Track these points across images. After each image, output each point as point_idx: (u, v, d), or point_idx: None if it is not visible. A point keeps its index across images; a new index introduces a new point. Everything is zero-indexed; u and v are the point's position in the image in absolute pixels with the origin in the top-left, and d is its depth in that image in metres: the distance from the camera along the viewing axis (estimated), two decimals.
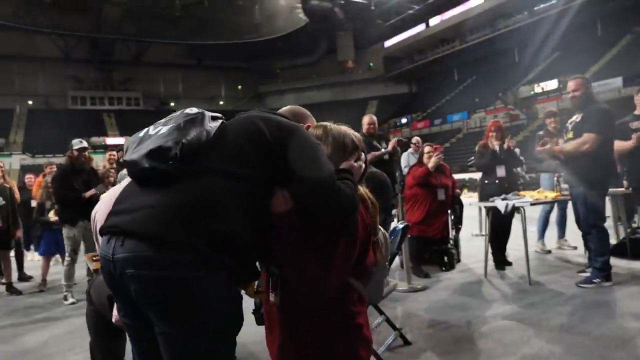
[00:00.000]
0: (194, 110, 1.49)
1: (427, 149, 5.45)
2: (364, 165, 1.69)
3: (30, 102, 42.38)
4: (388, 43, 44.00)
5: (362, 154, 1.70)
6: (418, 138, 8.30)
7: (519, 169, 9.76)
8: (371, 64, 47.39)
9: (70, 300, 5.07)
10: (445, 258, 5.38)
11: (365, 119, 6.50)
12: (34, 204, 6.68)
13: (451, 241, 5.54)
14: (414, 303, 4.18)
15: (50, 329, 4.22)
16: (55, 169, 6.42)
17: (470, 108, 33.80)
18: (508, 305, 3.88)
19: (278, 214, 1.46)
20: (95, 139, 35.62)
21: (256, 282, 1.69)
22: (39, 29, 35.98)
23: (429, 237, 5.29)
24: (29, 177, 8.10)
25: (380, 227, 1.85)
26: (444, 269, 5.35)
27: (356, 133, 1.73)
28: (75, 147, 5.21)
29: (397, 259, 5.40)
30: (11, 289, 5.82)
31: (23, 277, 6.58)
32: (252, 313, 2.35)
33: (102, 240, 1.37)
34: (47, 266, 6.03)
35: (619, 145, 4.51)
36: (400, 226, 2.94)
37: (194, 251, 1.25)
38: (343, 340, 1.64)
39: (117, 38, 41.31)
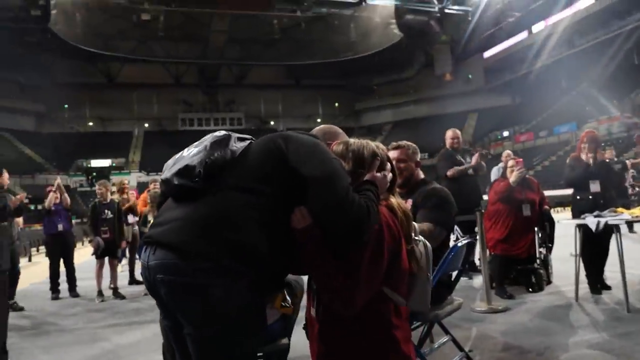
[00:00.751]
0: (221, 133, 1.62)
1: (510, 162, 5.17)
2: (389, 175, 1.72)
3: (146, 125, 47.24)
4: (487, 53, 42.35)
5: (388, 163, 1.74)
6: (509, 152, 7.89)
7: (628, 183, 8.87)
8: (470, 76, 45.86)
9: None
10: (533, 278, 5.03)
11: (449, 133, 6.36)
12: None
13: (538, 260, 5.16)
14: (491, 325, 3.96)
15: (142, 330, 4.62)
16: (158, 186, 7.11)
17: (581, 118, 31.19)
18: (597, 334, 3.53)
19: (299, 230, 1.53)
20: None
21: (285, 296, 1.77)
22: (155, 59, 39.91)
23: (514, 255, 4.99)
24: (131, 193, 9.03)
25: (421, 237, 1.83)
26: (530, 290, 5.01)
27: (379, 144, 1.77)
28: None
29: (479, 279, 5.18)
30: (116, 294, 6.50)
31: (134, 281, 7.35)
32: (303, 328, 2.42)
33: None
34: None
35: None
36: (464, 242, 2.84)
37: (215, 260, 1.37)
38: (377, 352, 1.65)
39: (221, 63, 44.50)
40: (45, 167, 40.39)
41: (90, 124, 47.83)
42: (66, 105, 46.09)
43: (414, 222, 1.88)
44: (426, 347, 3.12)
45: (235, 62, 46.47)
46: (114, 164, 43.18)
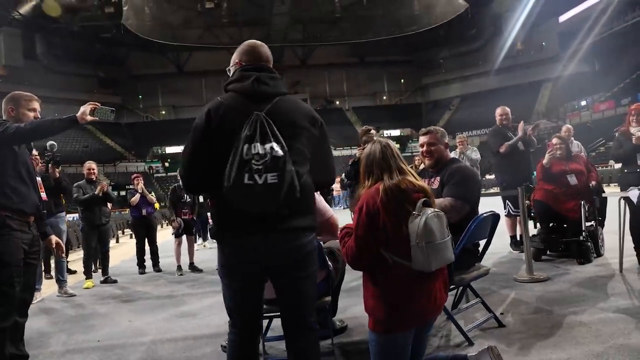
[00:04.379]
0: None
1: (554, 140, 5.31)
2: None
3: None
4: (563, 17, 39.76)
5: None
6: (569, 126, 7.80)
7: None
8: (544, 43, 43.40)
9: None
10: (580, 251, 5.17)
11: (498, 111, 6.50)
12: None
13: (584, 233, 5.26)
14: (528, 292, 4.23)
15: (217, 297, 5.30)
16: None
17: None
18: (629, 301, 3.71)
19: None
20: None
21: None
22: (221, 46, 41.36)
23: (557, 210, 5.23)
24: None
25: (427, 211, 2.19)
26: (579, 262, 5.15)
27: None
28: None
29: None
30: (193, 268, 7.34)
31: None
32: None
33: None
34: None
35: None
36: (486, 214, 3.16)
37: None
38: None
39: (285, 45, 45.16)
40: (124, 155, 43.64)
41: (163, 112, 50.74)
42: (140, 96, 49.22)
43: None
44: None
45: (298, 44, 47.05)
46: None
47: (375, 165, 2.28)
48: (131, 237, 8.47)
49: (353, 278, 4.18)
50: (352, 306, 4.08)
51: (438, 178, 3.32)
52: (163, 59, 47.75)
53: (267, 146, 1.84)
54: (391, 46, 46.30)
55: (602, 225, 5.68)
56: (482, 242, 3.40)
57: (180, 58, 48.67)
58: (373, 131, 5.47)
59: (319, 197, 2.86)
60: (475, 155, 8.02)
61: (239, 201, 1.86)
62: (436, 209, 2.21)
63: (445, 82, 50.31)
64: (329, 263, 2.88)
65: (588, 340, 2.94)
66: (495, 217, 3.27)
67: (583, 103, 37.24)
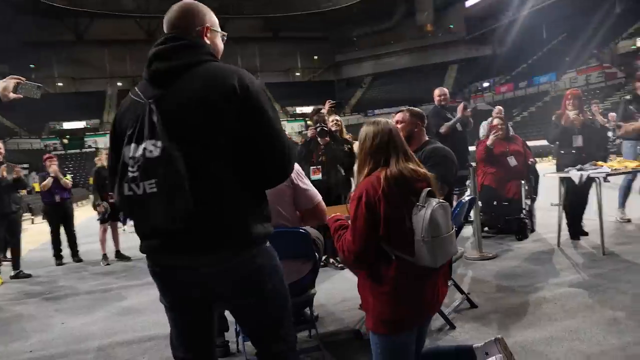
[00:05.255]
0: None
1: (495, 121, 5.49)
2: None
3: (119, 84, 45.75)
4: (470, 2, 41.84)
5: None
6: (500, 107, 8.16)
7: (609, 134, 9.28)
8: (451, 26, 45.47)
9: None
10: (519, 228, 5.45)
11: (436, 92, 6.57)
12: None
13: (524, 211, 5.56)
14: (483, 270, 4.37)
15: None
16: None
17: (560, 68, 31.48)
18: (577, 275, 3.95)
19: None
20: None
21: None
22: (126, 14, 38.31)
23: (501, 193, 5.43)
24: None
25: (432, 202, 2.05)
26: (517, 238, 5.43)
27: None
28: None
29: (469, 229, 5.56)
30: (120, 256, 6.78)
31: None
32: None
33: None
34: None
35: None
36: (466, 199, 3.15)
37: None
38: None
39: None
40: (15, 131, 39.31)
41: (60, 84, 46.22)
42: (32, 65, 44.36)
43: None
44: None
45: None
46: (88, 126, 42.11)
47: (381, 150, 2.07)
48: (45, 221, 7.54)
49: None
50: None
51: None
52: (59, 25, 43.25)
53: (141, 146, 1.41)
54: (306, 22, 45.92)
55: (534, 202, 6.03)
56: None
57: (79, 25, 44.42)
58: (323, 110, 5.29)
59: (306, 181, 2.64)
60: None
61: (130, 217, 1.56)
62: (441, 200, 2.06)
63: (358, 60, 51.04)
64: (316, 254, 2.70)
65: (560, 317, 3.07)
66: (472, 201, 3.27)
67: (486, 85, 39.71)
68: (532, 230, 5.77)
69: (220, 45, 1.76)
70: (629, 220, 5.74)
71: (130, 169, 1.42)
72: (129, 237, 8.16)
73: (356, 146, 7.75)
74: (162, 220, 1.43)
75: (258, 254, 1.56)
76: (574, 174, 4.60)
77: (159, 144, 1.39)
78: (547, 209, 6.51)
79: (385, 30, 49.03)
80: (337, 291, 4.13)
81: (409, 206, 1.97)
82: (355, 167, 2.19)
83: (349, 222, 2.12)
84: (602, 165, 4.73)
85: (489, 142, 5.34)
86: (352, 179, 5.42)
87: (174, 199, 1.39)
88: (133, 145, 1.44)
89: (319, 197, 2.66)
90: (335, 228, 2.21)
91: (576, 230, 5.21)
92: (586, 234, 5.24)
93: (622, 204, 5.82)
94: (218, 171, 1.46)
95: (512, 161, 5.37)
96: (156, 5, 40.29)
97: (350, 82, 52.11)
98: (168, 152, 1.39)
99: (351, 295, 3.95)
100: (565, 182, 4.90)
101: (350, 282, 4.09)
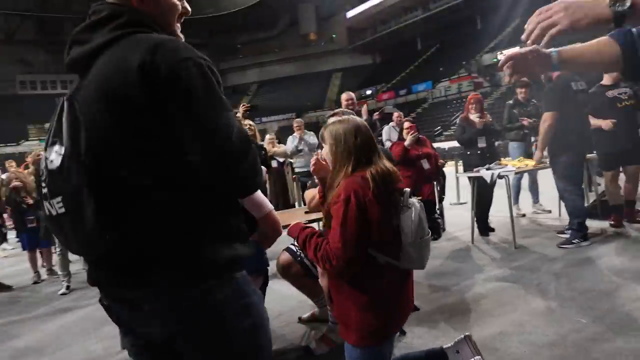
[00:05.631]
0: None
1: (406, 124, 5.65)
2: None
3: None
4: (351, 13, 43.78)
5: None
6: (400, 113, 8.47)
7: None
8: (334, 35, 47.10)
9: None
10: (433, 227, 5.65)
11: (343, 96, 6.58)
12: None
13: (438, 211, 5.79)
14: None
15: (57, 320, 4.26)
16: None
17: (435, 77, 34.19)
18: (499, 269, 4.17)
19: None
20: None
21: None
22: None
23: (418, 196, 5.54)
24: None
25: (415, 202, 1.95)
26: (433, 237, 5.63)
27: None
28: None
29: None
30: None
31: None
32: None
33: None
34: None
35: (594, 122, 4.89)
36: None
37: None
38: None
39: (64, 16, 39.29)
40: None
41: None
42: None
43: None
44: None
45: (81, 15, 41.27)
46: None
47: (365, 147, 1.90)
48: None
49: None
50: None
51: None
52: None
53: (47, 154, 1.12)
54: (188, 28, 43.20)
55: (442, 202, 6.33)
56: None
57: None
58: (238, 114, 5.01)
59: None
60: (313, 139, 8.13)
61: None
62: (419, 198, 2.01)
63: (242, 68, 50.70)
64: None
65: (500, 311, 3.17)
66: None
67: (368, 92, 41.69)
68: (444, 230, 6.03)
69: (169, 1, 1.34)
70: (524, 215, 6.27)
71: (42, 183, 1.13)
72: (7, 262, 7.07)
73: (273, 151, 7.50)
74: (77, 246, 1.14)
75: (217, 287, 1.15)
76: (486, 174, 4.88)
77: (62, 151, 1.08)
78: (448, 208, 6.88)
79: (270, 39, 49.33)
80: (269, 305, 3.86)
81: (395, 207, 1.86)
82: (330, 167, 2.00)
83: (322, 228, 1.95)
84: (506, 165, 5.09)
85: (407, 143, 5.44)
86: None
87: (82, 220, 1.06)
88: (45, 153, 1.13)
89: (269, 205, 2.38)
90: (307, 237, 1.98)
91: (484, 227, 5.54)
92: (493, 229, 5.60)
93: (516, 200, 6.34)
94: (138, 182, 1.10)
95: (426, 164, 5.55)
96: (14, 2, 36.17)
97: (236, 89, 51.48)
98: (68, 163, 1.07)
99: (284, 307, 3.77)
100: (479, 180, 5.17)
101: (276, 293, 3.90)
